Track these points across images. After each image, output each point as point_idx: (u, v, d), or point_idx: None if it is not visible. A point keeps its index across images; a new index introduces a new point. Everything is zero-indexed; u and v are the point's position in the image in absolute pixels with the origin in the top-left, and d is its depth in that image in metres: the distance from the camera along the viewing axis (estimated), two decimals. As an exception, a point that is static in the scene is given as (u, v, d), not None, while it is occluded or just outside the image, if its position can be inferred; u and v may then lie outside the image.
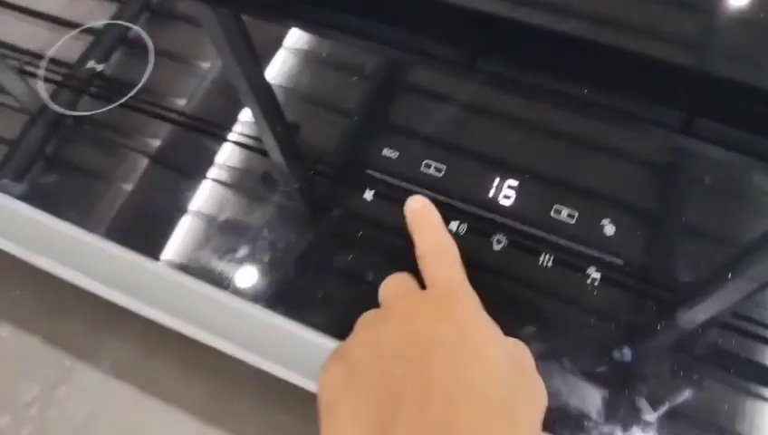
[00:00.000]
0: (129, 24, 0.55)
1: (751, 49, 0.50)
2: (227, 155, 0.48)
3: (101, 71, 0.53)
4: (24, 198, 0.46)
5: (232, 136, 0.48)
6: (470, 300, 0.35)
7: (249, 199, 0.45)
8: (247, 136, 0.48)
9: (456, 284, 0.35)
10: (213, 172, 0.47)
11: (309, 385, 0.39)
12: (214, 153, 0.48)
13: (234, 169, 0.47)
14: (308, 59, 0.53)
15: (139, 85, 0.51)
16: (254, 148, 0.48)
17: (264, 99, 0.51)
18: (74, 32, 0.55)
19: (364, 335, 0.33)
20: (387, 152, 0.45)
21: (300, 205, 0.45)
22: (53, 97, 0.52)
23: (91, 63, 0.53)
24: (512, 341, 0.34)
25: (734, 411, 0.36)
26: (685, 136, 0.46)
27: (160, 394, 0.46)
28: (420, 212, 0.40)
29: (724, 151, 0.45)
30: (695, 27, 0.51)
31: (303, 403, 0.40)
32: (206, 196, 0.46)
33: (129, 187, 0.47)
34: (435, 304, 0.33)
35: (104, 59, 0.54)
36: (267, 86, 0.51)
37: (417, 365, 0.30)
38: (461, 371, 0.30)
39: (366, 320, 0.35)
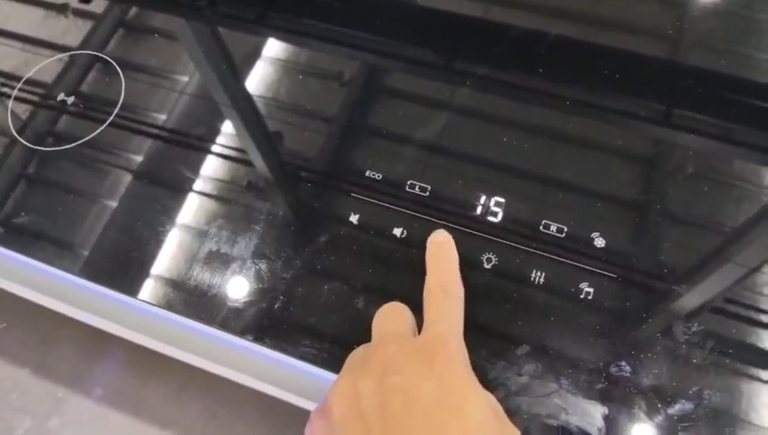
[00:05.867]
0: (97, 54, 0.54)
1: (724, 38, 0.50)
2: (212, 167, 0.47)
3: (72, 102, 0.51)
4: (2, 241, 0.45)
5: (215, 148, 0.48)
6: (456, 352, 0.34)
7: (233, 225, 0.44)
8: (231, 147, 0.48)
9: (449, 332, 0.35)
10: (198, 186, 0.46)
11: (308, 405, 0.39)
12: (198, 167, 0.47)
13: (219, 180, 0.46)
14: (287, 68, 0.52)
15: (117, 107, 0.50)
16: (237, 159, 0.47)
17: (246, 110, 0.50)
18: (50, 59, 0.54)
19: (346, 386, 0.33)
20: (370, 174, 0.44)
21: (286, 230, 0.44)
22: (24, 133, 0.50)
23: (61, 96, 0.52)
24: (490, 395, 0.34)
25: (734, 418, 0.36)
26: (670, 129, 0.46)
27: (156, 420, 0.45)
28: (441, 247, 0.40)
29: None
30: (669, 19, 0.51)
31: (304, 422, 0.39)
32: (193, 211, 0.45)
33: (112, 208, 0.46)
34: (418, 356, 0.33)
35: (74, 90, 0.52)
36: (248, 97, 0.51)
37: (395, 424, 0.30)
38: (439, 431, 0.30)
39: (352, 362, 0.35)
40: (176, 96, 0.51)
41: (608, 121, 0.46)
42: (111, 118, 0.50)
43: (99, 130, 0.49)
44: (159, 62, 0.53)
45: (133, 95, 0.51)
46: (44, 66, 0.53)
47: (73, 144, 0.49)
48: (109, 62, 0.53)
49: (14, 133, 0.50)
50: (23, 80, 0.53)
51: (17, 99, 0.52)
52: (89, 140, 0.49)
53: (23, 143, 0.50)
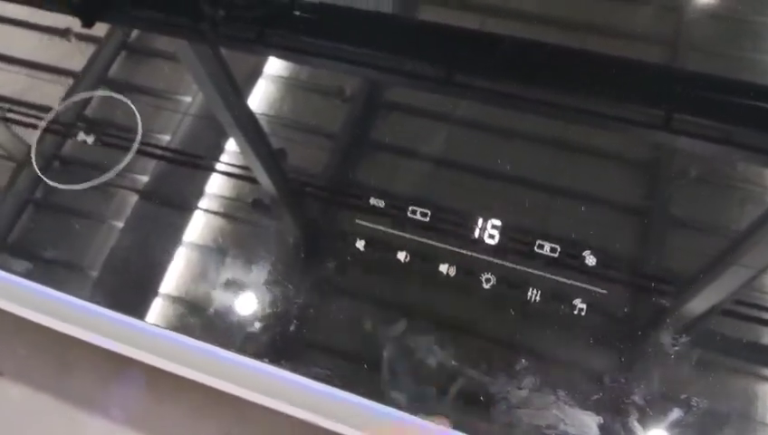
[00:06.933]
0: (114, 94, 0.54)
1: (722, 42, 0.51)
2: (218, 186, 0.48)
3: (92, 142, 0.52)
4: (26, 275, 0.46)
5: (220, 167, 0.48)
6: None
7: (242, 255, 0.45)
8: (235, 165, 0.49)
9: None
10: (204, 204, 0.47)
11: (326, 424, 0.40)
12: (204, 186, 0.48)
13: (225, 198, 0.47)
14: (288, 85, 0.52)
15: (138, 135, 0.51)
16: (243, 176, 0.48)
17: (249, 128, 0.51)
18: (55, 85, 0.55)
19: None
20: (374, 201, 0.45)
21: (294, 256, 0.45)
22: (47, 171, 0.51)
23: (81, 136, 0.52)
24: None
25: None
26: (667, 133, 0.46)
27: (174, 440, 0.46)
28: None
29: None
30: (665, 25, 0.52)
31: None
32: (199, 229, 0.46)
33: (130, 236, 0.47)
34: None
35: (92, 130, 0.53)
36: (251, 115, 0.51)
37: None
38: None
39: None
40: (179, 117, 0.52)
41: (608, 128, 0.47)
42: (136, 145, 0.50)
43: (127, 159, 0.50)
44: (164, 84, 0.54)
45: (146, 120, 0.52)
46: (49, 91, 0.54)
47: (94, 180, 0.50)
48: (118, 93, 0.54)
49: (34, 165, 0.51)
50: (29, 105, 0.54)
51: (25, 124, 0.53)
52: (112, 171, 0.50)
53: (39, 174, 0.50)
